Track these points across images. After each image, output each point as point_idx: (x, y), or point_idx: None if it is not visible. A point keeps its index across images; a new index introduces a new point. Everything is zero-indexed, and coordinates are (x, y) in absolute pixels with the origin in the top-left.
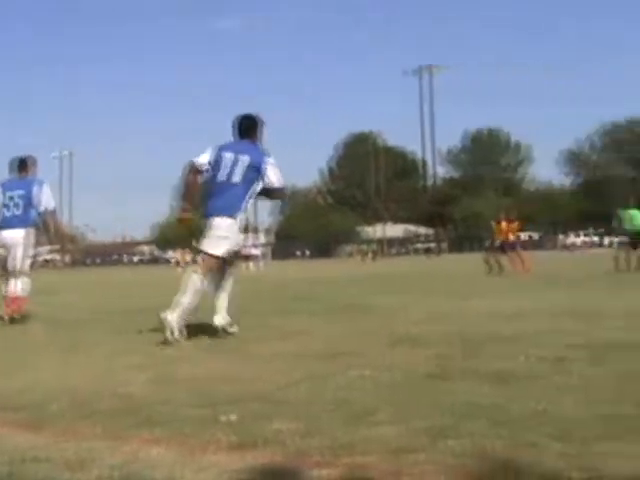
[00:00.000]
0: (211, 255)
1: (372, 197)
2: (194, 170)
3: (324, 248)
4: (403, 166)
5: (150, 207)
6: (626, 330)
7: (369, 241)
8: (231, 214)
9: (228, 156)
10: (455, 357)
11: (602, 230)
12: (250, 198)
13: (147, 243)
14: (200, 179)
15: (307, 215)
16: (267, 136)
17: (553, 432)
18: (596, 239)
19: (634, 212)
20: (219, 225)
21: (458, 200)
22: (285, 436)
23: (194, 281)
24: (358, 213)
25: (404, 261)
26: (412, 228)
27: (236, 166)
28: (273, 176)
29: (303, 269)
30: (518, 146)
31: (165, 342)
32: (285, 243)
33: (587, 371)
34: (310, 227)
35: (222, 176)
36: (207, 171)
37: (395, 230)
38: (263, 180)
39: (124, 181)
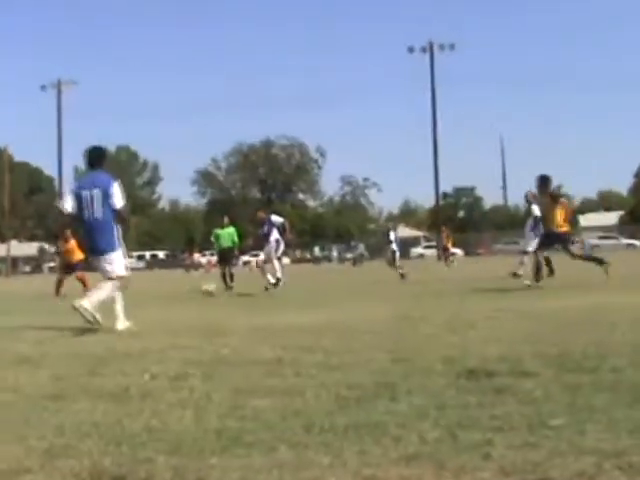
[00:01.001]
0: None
1: (5, 214)
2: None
3: None
4: (36, 182)
5: None
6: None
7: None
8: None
9: (85, 194)
10: (74, 376)
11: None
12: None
13: None
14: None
15: None
16: None
17: (167, 447)
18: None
19: (226, 231)
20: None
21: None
22: None
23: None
24: None
25: (34, 279)
26: (47, 246)
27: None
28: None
29: None
30: (146, 164)
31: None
32: None
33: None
34: None
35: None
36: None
37: (30, 248)
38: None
39: None
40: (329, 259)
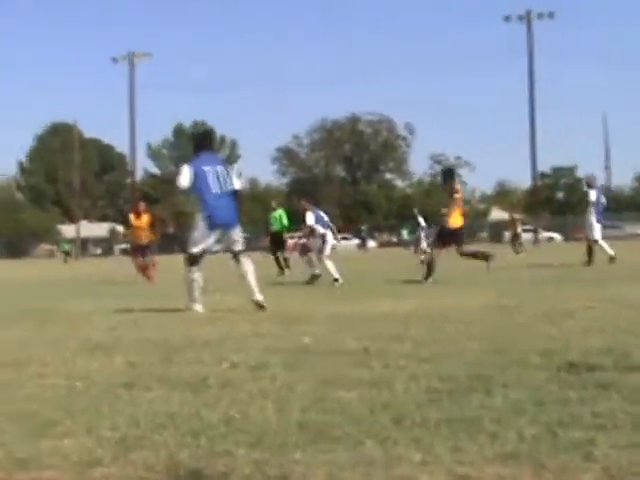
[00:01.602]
0: None
1: (75, 193)
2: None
3: (18, 247)
4: (107, 160)
5: None
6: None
7: (70, 240)
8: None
9: (208, 170)
10: (148, 364)
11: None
12: None
13: None
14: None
15: (0, 212)
16: None
17: (247, 440)
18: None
19: (274, 215)
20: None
21: (165, 198)
22: None
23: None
24: (62, 210)
25: (104, 262)
26: (119, 227)
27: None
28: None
29: None
30: (223, 141)
31: None
32: None
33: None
34: (4, 224)
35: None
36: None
37: (100, 229)
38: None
39: None
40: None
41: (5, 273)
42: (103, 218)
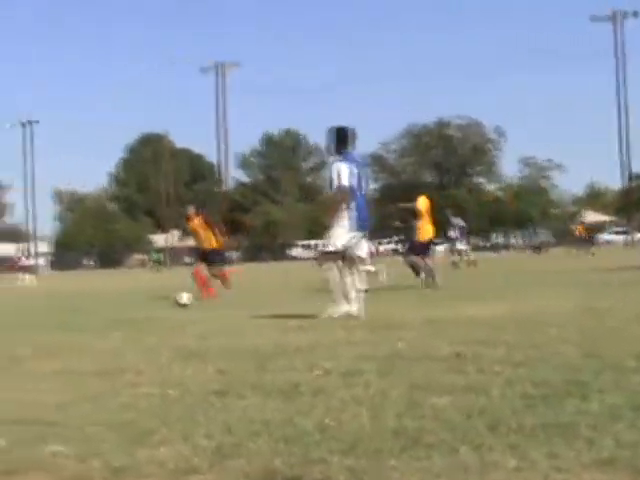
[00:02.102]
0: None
1: (164, 203)
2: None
3: (112, 257)
4: (198, 170)
5: None
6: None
7: (159, 249)
8: None
9: (356, 171)
10: (241, 372)
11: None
12: None
13: None
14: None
15: (93, 222)
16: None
17: (342, 447)
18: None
19: None
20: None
21: (255, 207)
22: (61, 460)
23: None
24: (154, 220)
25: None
26: None
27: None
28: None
29: (85, 280)
30: (316, 148)
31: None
32: (68, 252)
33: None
34: (97, 235)
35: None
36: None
37: (191, 238)
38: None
39: None
40: (509, 246)
41: (99, 284)
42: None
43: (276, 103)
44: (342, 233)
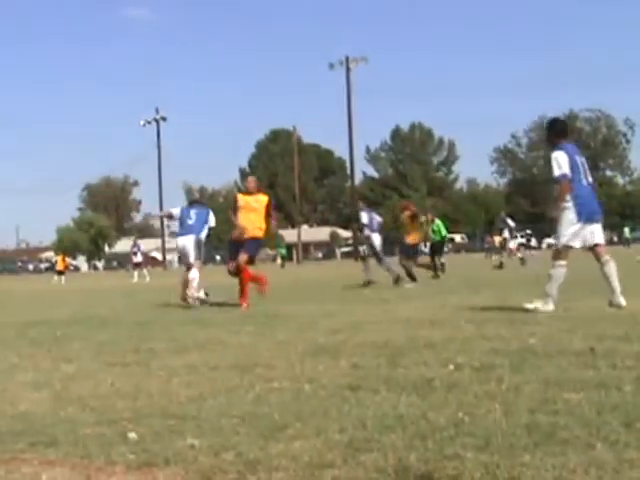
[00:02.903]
0: None
1: (295, 198)
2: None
3: None
4: (327, 165)
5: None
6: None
7: (285, 245)
8: None
9: (577, 159)
10: (373, 366)
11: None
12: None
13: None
14: None
15: (223, 217)
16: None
17: (476, 443)
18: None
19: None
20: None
21: (384, 201)
22: (197, 452)
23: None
24: (284, 215)
25: (323, 266)
26: (340, 231)
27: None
28: None
29: (212, 275)
30: (442, 143)
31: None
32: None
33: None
34: (227, 230)
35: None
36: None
37: (321, 233)
38: None
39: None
40: None
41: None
42: (323, 222)
43: (403, 99)
44: (566, 229)
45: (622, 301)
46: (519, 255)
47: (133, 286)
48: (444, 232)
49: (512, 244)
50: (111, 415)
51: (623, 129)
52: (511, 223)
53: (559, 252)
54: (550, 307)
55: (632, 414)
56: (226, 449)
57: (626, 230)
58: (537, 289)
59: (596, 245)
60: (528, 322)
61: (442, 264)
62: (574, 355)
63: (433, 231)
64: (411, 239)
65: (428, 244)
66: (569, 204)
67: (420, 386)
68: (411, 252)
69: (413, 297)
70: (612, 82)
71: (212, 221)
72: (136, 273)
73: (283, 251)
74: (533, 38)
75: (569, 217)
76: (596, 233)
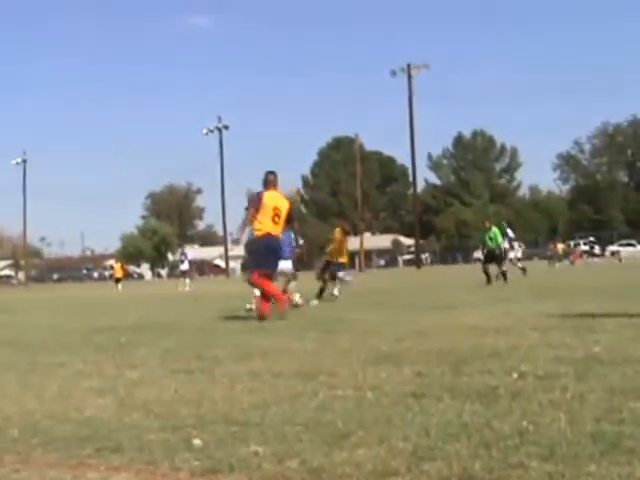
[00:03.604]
0: None
1: (358, 205)
2: None
3: (302, 261)
4: (389, 172)
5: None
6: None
7: (353, 253)
8: None
9: None
10: (437, 374)
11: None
12: None
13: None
14: None
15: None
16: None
17: (540, 452)
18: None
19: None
20: None
21: (446, 208)
22: (261, 460)
23: None
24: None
25: (386, 274)
26: (402, 239)
27: None
28: None
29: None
30: (504, 149)
31: None
32: None
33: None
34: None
35: None
36: None
37: (383, 240)
38: None
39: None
40: None
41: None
42: (386, 230)
43: (466, 106)
44: None
45: None
46: (519, 265)
47: (192, 294)
48: (500, 239)
49: (512, 254)
50: (175, 421)
51: None
52: (511, 234)
53: None
54: None
55: None
56: (290, 456)
57: None
58: (598, 297)
59: None
60: (593, 330)
61: (503, 272)
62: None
63: (490, 238)
64: (343, 259)
65: (485, 251)
66: None
67: (484, 394)
68: (336, 270)
69: (478, 305)
70: None
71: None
72: (186, 281)
73: None
74: (595, 43)
75: None
76: None
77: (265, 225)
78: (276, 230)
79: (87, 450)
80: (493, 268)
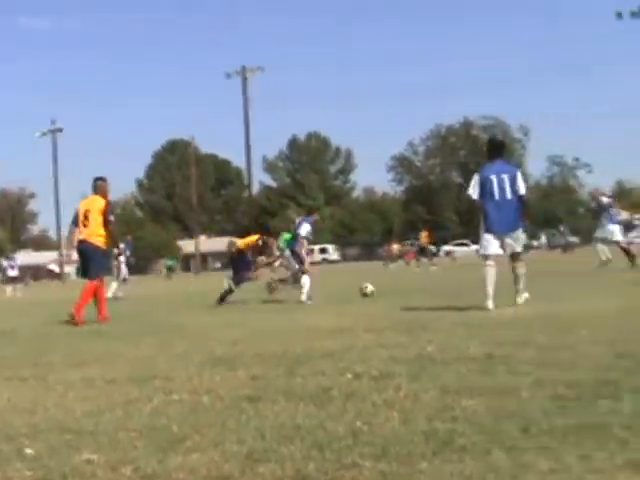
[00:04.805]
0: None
1: (193, 208)
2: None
3: (139, 264)
4: (224, 175)
5: None
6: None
7: (173, 257)
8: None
9: (492, 178)
10: (272, 377)
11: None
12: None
13: None
14: None
15: (121, 229)
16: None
17: (374, 451)
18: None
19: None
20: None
21: (281, 210)
22: (94, 467)
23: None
24: (181, 226)
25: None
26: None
27: (504, 184)
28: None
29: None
30: (339, 152)
31: None
32: None
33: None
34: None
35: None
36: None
37: (220, 243)
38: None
39: None
40: (537, 246)
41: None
42: (221, 232)
43: (300, 108)
44: (483, 243)
45: (520, 301)
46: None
47: (25, 300)
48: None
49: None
50: (8, 430)
51: (518, 135)
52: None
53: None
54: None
55: (528, 419)
56: (124, 463)
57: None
58: (431, 296)
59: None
60: (427, 329)
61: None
62: (472, 361)
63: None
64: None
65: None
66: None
67: (318, 396)
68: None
69: (312, 307)
70: (505, 88)
71: None
72: (17, 287)
73: (170, 263)
74: (429, 47)
75: (483, 231)
76: (512, 242)
77: (79, 233)
78: (86, 233)
79: None
80: None
